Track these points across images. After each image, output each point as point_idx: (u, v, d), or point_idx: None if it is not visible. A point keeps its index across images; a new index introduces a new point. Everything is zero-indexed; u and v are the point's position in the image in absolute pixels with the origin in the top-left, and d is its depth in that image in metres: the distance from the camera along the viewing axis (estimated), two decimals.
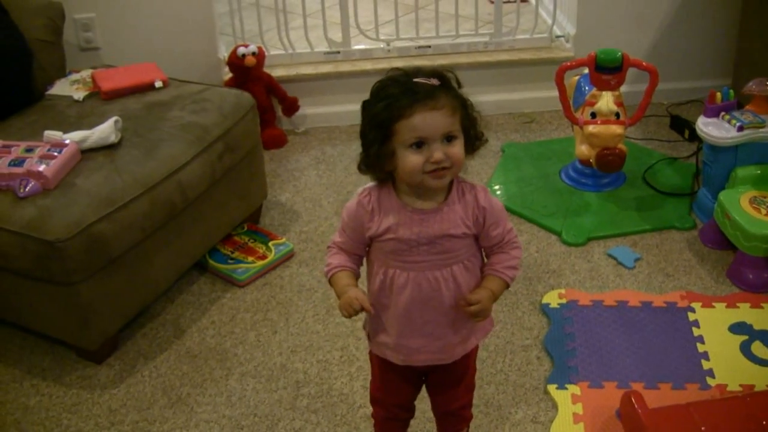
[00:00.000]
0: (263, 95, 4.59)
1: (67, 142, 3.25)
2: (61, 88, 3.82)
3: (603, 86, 3.91)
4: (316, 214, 4.09)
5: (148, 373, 3.24)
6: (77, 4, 4.40)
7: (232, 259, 3.73)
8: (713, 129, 3.69)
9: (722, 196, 3.57)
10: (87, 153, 3.30)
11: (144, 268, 3.32)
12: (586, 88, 4.04)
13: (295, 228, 4.01)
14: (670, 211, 3.97)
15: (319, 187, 4.32)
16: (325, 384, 3.14)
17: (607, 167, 3.91)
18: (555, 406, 2.98)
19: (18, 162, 3.14)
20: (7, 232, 3.02)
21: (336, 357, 3.26)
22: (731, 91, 3.80)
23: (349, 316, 2.28)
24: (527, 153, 4.51)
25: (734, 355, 3.14)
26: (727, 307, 3.36)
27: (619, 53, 3.85)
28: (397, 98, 2.11)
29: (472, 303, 2.26)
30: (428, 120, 2.09)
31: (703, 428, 2.63)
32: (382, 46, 4.93)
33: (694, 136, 4.28)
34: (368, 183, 2.30)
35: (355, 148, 2.81)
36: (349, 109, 4.47)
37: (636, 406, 2.69)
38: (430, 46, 4.93)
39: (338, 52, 4.90)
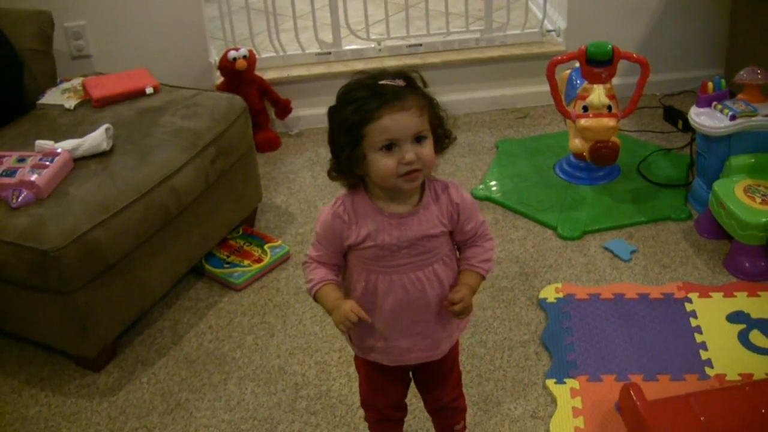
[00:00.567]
0: (256, 98, 4.59)
1: (59, 150, 3.25)
2: (52, 97, 3.81)
3: (594, 79, 3.91)
4: (311, 216, 4.08)
5: (146, 380, 3.24)
6: (67, 13, 4.40)
7: (228, 263, 3.72)
8: (706, 119, 3.69)
9: (717, 185, 3.57)
10: (80, 161, 3.30)
11: (140, 274, 3.31)
12: (578, 81, 4.03)
13: (290, 230, 4.01)
14: (665, 202, 3.96)
15: (313, 189, 4.31)
16: (324, 385, 3.14)
17: (600, 160, 3.91)
18: (554, 401, 2.98)
19: (10, 172, 3.14)
20: (1, 242, 3.02)
21: (334, 358, 3.25)
22: (723, 80, 3.79)
23: (347, 330, 2.29)
24: (521, 148, 4.50)
25: (732, 345, 3.14)
26: (724, 296, 3.36)
27: (610, 46, 3.85)
28: (365, 101, 2.09)
29: (455, 302, 2.26)
30: (398, 121, 2.08)
31: (702, 418, 2.63)
32: (373, 45, 4.93)
33: (687, 127, 4.27)
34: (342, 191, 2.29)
35: None
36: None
37: (635, 398, 2.69)
38: (421, 45, 4.93)
39: (329, 53, 4.90)
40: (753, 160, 3.62)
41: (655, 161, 4.26)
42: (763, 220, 3.38)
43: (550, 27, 4.96)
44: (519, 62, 4.87)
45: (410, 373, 2.56)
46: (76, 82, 3.90)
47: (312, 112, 4.82)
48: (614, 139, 3.86)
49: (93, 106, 3.70)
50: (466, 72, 4.87)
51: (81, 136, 3.38)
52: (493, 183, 4.21)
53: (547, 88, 4.02)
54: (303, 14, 4.92)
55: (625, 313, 3.32)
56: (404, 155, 2.10)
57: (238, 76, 4.54)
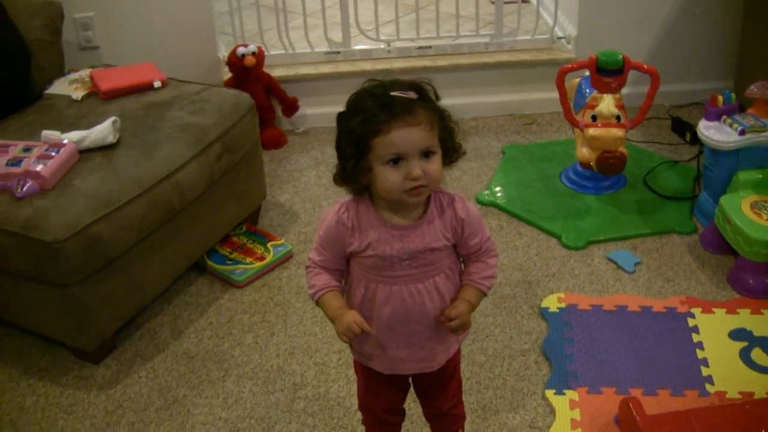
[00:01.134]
0: (263, 95, 4.58)
1: (65, 142, 3.24)
2: (59, 87, 3.81)
3: (604, 89, 3.90)
4: (315, 215, 4.07)
5: (144, 374, 3.23)
6: (77, 4, 4.39)
7: (230, 260, 3.71)
8: (715, 132, 3.67)
9: (723, 200, 3.55)
10: (85, 153, 3.29)
11: (141, 269, 3.30)
12: (587, 90, 4.02)
13: (294, 229, 4.00)
14: (670, 214, 3.95)
15: (318, 188, 4.30)
16: (322, 387, 3.13)
17: (607, 170, 3.89)
18: (553, 412, 2.96)
19: (15, 162, 3.13)
20: (4, 232, 3.01)
21: (333, 360, 3.24)
22: (733, 94, 3.78)
23: (350, 341, 2.27)
24: (528, 155, 4.49)
25: (734, 362, 3.12)
26: (727, 312, 3.35)
27: (620, 56, 3.84)
28: (374, 113, 2.06)
29: (452, 318, 2.25)
30: (406, 136, 2.05)
31: None
32: (382, 46, 4.92)
33: (695, 139, 4.25)
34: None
35: None
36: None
37: (634, 412, 2.68)
38: (430, 47, 4.92)
39: (338, 53, 4.90)
40: (761, 176, 3.60)
41: (662, 173, 4.25)
42: None
43: (560, 34, 4.95)
44: (528, 68, 4.86)
45: (409, 379, 2.55)
46: (84, 73, 3.89)
47: (319, 111, 4.82)
48: (622, 149, 3.85)
49: (100, 98, 3.70)
50: (474, 76, 4.86)
51: (87, 127, 3.37)
52: (498, 189, 4.19)
53: (555, 94, 4.01)
54: (313, 12, 4.91)
55: (627, 325, 3.30)
56: (411, 171, 2.07)
57: (246, 72, 4.53)
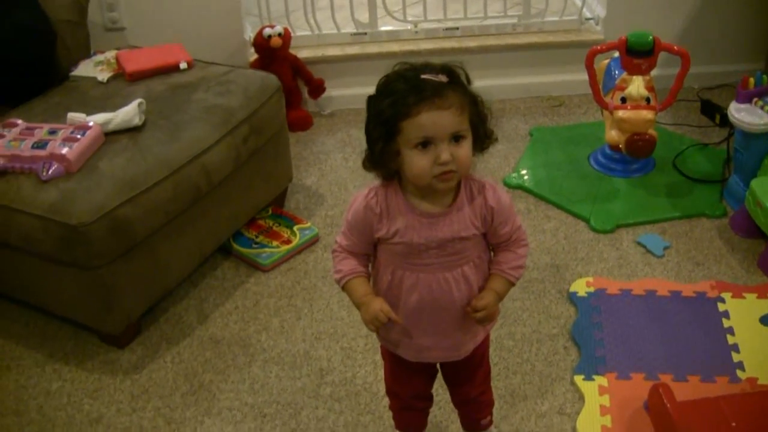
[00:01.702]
0: (289, 77, 4.55)
1: (91, 124, 3.22)
2: (85, 69, 3.79)
3: (634, 70, 3.86)
4: (341, 198, 4.05)
5: (170, 359, 3.22)
6: None
7: (256, 243, 3.70)
8: (746, 115, 3.63)
9: (754, 183, 3.51)
10: (110, 135, 3.27)
11: (168, 251, 3.29)
12: (616, 72, 3.98)
13: (320, 212, 3.98)
14: (700, 198, 3.91)
15: (344, 171, 4.28)
16: (349, 372, 3.12)
17: (636, 153, 3.85)
18: (582, 398, 2.94)
19: (41, 144, 3.12)
20: (30, 215, 3.00)
21: (360, 345, 3.23)
22: (764, 76, 3.73)
23: (377, 330, 2.26)
24: (556, 137, 4.45)
25: (765, 348, 3.09)
26: (758, 297, 3.31)
27: (651, 37, 3.79)
28: (403, 95, 2.02)
29: (479, 309, 2.23)
30: (435, 119, 2.02)
31: (733, 423, 2.60)
32: (409, 27, 4.88)
33: (725, 122, 4.21)
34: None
35: None
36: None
37: (664, 399, 2.66)
38: (458, 28, 4.88)
39: (365, 34, 4.86)
40: None
41: (691, 156, 4.21)
42: None
43: (588, 15, 4.90)
44: (556, 50, 4.81)
45: (437, 365, 2.53)
46: (110, 55, 3.87)
47: (345, 93, 4.79)
48: (651, 131, 3.81)
49: (126, 80, 3.68)
50: (502, 57, 4.82)
51: (113, 109, 3.35)
52: (525, 172, 4.16)
53: (583, 76, 3.96)
54: None
55: (656, 310, 3.27)
56: (440, 155, 2.03)
57: (273, 53, 4.50)
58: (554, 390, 3.00)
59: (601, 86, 4.03)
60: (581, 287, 3.41)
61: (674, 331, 3.18)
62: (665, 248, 3.62)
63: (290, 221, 3.82)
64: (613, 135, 3.96)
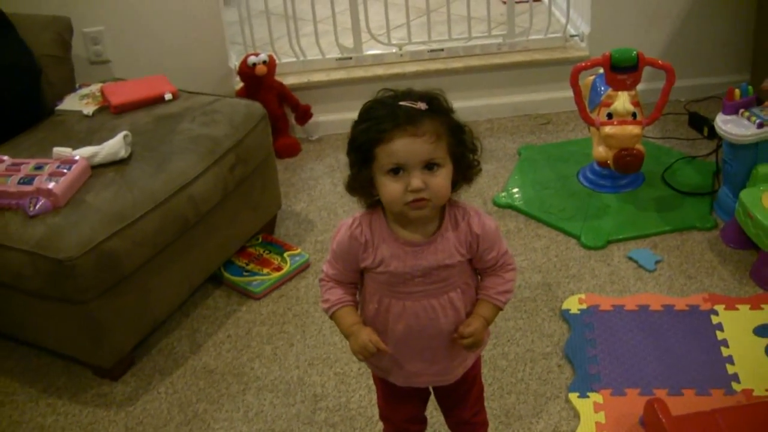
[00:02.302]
0: (275, 104, 4.56)
1: (77, 158, 3.22)
2: (70, 103, 3.79)
3: (619, 86, 3.86)
4: (331, 224, 4.04)
5: (164, 390, 3.21)
6: (86, 18, 4.38)
7: (247, 271, 3.69)
8: (732, 126, 3.64)
9: (743, 194, 3.51)
10: (97, 169, 3.27)
11: (157, 283, 3.28)
12: (602, 88, 3.98)
13: (310, 238, 3.97)
14: (690, 211, 3.90)
15: (333, 196, 4.27)
16: (343, 397, 3.10)
17: (625, 168, 3.85)
18: (577, 415, 2.93)
19: (27, 180, 3.11)
20: (18, 251, 2.99)
21: (354, 369, 3.21)
22: (750, 87, 3.74)
23: (365, 360, 2.25)
24: (544, 155, 4.45)
25: (760, 359, 3.08)
26: (751, 309, 3.30)
27: (634, 52, 3.80)
28: (378, 122, 2.03)
29: (466, 336, 2.22)
30: (407, 146, 2.01)
31: None
32: (394, 50, 4.89)
33: (713, 134, 4.20)
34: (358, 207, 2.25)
35: None
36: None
37: (660, 414, 2.65)
38: (443, 50, 4.89)
39: (350, 58, 4.87)
40: None
41: (680, 169, 4.21)
42: None
43: (573, 32, 4.91)
44: (541, 67, 4.82)
45: (430, 388, 2.52)
46: (95, 88, 3.87)
47: (332, 118, 4.79)
48: (639, 146, 3.81)
49: (111, 113, 3.68)
50: (488, 77, 4.83)
51: (99, 143, 3.35)
52: (515, 190, 4.16)
53: (569, 93, 3.96)
54: (323, 19, 4.89)
55: (649, 325, 3.27)
56: (411, 182, 2.03)
57: (258, 81, 4.51)
58: (549, 408, 2.98)
59: (587, 102, 4.03)
60: (574, 304, 3.40)
61: (668, 345, 3.17)
62: (657, 262, 3.61)
63: (280, 248, 3.81)
64: (600, 151, 3.95)
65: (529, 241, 3.82)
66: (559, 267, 3.64)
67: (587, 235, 3.78)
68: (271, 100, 4.49)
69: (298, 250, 3.81)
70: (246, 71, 4.50)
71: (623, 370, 3.07)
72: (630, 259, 3.65)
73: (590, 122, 3.96)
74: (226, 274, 3.68)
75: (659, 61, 3.84)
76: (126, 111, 3.67)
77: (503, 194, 4.12)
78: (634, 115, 3.82)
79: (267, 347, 3.36)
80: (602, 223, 3.86)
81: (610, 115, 3.85)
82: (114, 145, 3.30)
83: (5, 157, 3.27)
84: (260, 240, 3.87)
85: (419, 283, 2.18)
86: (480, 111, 4.76)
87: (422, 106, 2.05)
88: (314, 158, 4.66)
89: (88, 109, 3.70)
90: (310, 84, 4.78)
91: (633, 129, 3.78)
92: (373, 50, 4.91)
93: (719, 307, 3.31)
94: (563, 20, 4.90)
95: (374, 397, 2.94)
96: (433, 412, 2.68)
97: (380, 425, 2.74)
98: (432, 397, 2.57)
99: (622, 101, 3.82)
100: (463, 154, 2.13)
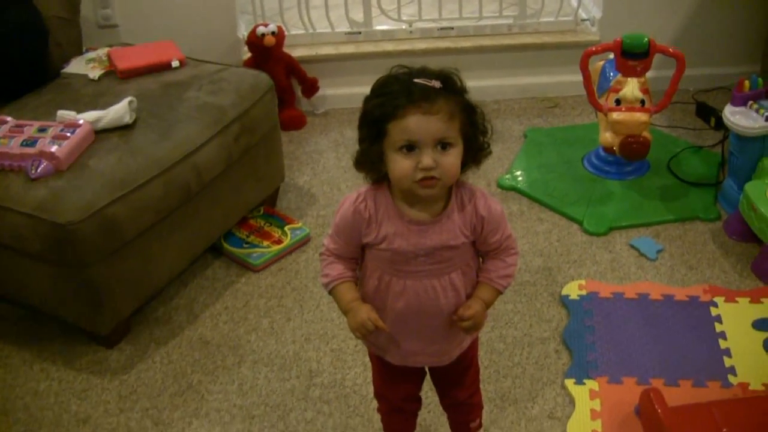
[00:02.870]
0: (283, 76, 4.53)
1: (81, 122, 3.20)
2: (76, 66, 3.77)
3: (628, 72, 3.84)
4: (333, 198, 4.03)
5: (159, 359, 3.20)
6: None
7: (247, 243, 3.68)
8: (741, 118, 3.62)
9: (748, 187, 3.49)
10: (101, 134, 3.25)
11: (157, 251, 3.27)
12: (611, 73, 3.96)
13: (312, 212, 3.96)
14: (694, 201, 3.89)
15: (337, 170, 4.26)
16: (339, 374, 3.10)
17: (631, 155, 3.83)
18: (572, 402, 2.92)
19: (30, 142, 3.09)
20: (18, 213, 2.98)
21: (350, 346, 3.20)
22: (760, 79, 3.72)
23: (363, 338, 2.24)
24: (550, 138, 4.44)
25: (757, 353, 3.07)
26: (750, 302, 3.29)
27: (646, 39, 3.77)
28: (392, 97, 2.01)
29: (465, 318, 2.21)
30: (421, 123, 1.99)
31: (724, 429, 2.58)
32: (404, 26, 4.86)
33: (720, 125, 4.18)
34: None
35: None
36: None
37: (655, 404, 2.64)
38: (453, 28, 4.86)
39: (359, 33, 4.84)
40: None
41: (686, 158, 4.19)
42: None
43: (584, 16, 4.88)
44: (551, 50, 4.79)
45: (425, 368, 2.51)
46: (102, 52, 3.85)
47: (339, 92, 4.77)
48: (646, 134, 3.79)
49: (117, 78, 3.66)
50: (497, 58, 4.80)
51: (104, 107, 3.33)
52: (519, 173, 4.15)
53: (578, 77, 3.94)
54: None
55: (648, 314, 3.25)
56: (422, 159, 2.01)
57: (266, 52, 4.48)
58: (545, 394, 2.98)
59: (595, 88, 4.00)
60: (573, 290, 3.39)
61: (666, 335, 3.16)
62: (659, 251, 3.60)
63: (282, 221, 3.80)
64: (607, 137, 3.93)
65: (531, 225, 3.80)
66: (561, 252, 3.63)
67: (590, 221, 3.76)
68: (279, 72, 4.47)
69: (299, 224, 3.79)
70: (254, 41, 4.47)
71: (620, 358, 3.07)
72: (632, 246, 3.64)
73: (598, 107, 3.94)
74: (226, 245, 3.67)
75: (670, 49, 3.81)
76: (132, 76, 3.65)
77: (507, 176, 4.11)
78: (642, 102, 3.80)
79: (264, 320, 3.35)
80: (605, 209, 3.85)
81: (618, 101, 3.83)
82: (119, 111, 3.28)
83: (8, 119, 3.26)
84: (262, 212, 3.86)
85: (422, 263, 2.17)
86: (488, 91, 4.74)
87: (437, 84, 2.03)
88: (319, 132, 4.64)
89: (95, 73, 3.68)
90: (318, 57, 4.75)
91: (641, 116, 3.76)
92: (382, 26, 4.88)
93: (719, 299, 3.30)
94: (575, 3, 4.88)
95: (369, 374, 2.92)
96: (428, 392, 2.67)
97: (375, 403, 2.72)
98: (428, 377, 2.56)
99: (631, 88, 3.80)
100: (474, 135, 2.11)
